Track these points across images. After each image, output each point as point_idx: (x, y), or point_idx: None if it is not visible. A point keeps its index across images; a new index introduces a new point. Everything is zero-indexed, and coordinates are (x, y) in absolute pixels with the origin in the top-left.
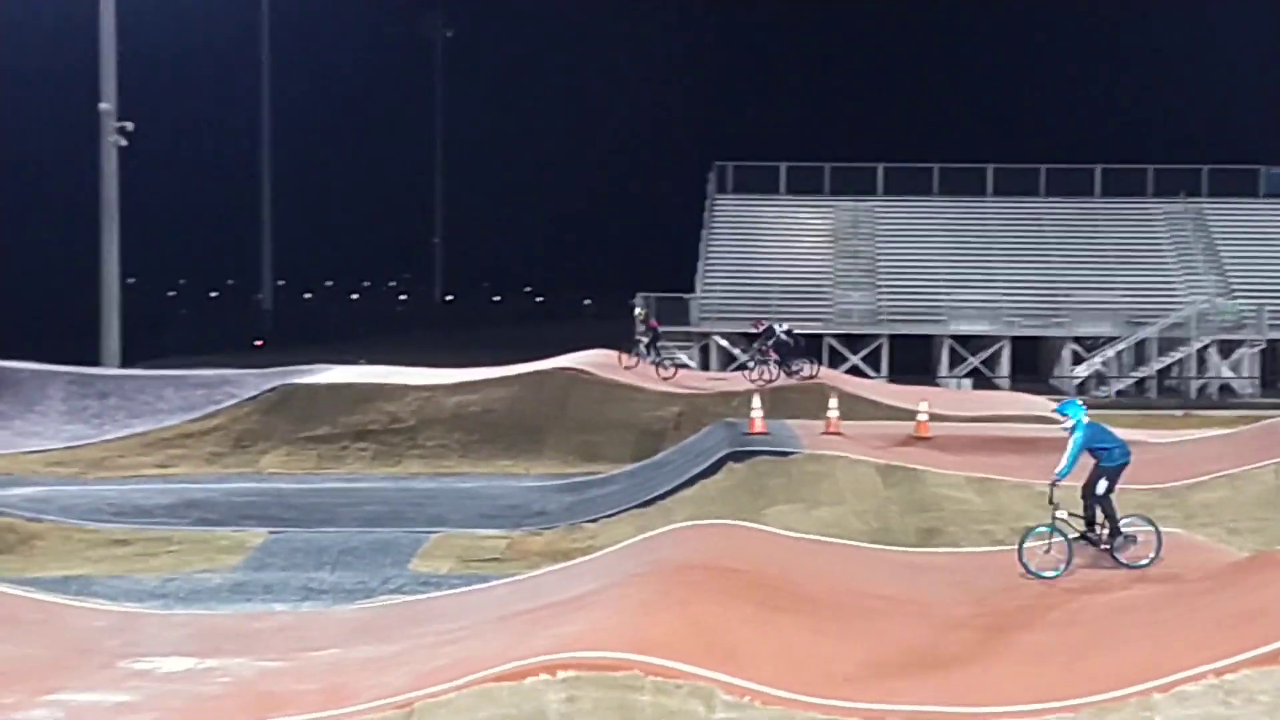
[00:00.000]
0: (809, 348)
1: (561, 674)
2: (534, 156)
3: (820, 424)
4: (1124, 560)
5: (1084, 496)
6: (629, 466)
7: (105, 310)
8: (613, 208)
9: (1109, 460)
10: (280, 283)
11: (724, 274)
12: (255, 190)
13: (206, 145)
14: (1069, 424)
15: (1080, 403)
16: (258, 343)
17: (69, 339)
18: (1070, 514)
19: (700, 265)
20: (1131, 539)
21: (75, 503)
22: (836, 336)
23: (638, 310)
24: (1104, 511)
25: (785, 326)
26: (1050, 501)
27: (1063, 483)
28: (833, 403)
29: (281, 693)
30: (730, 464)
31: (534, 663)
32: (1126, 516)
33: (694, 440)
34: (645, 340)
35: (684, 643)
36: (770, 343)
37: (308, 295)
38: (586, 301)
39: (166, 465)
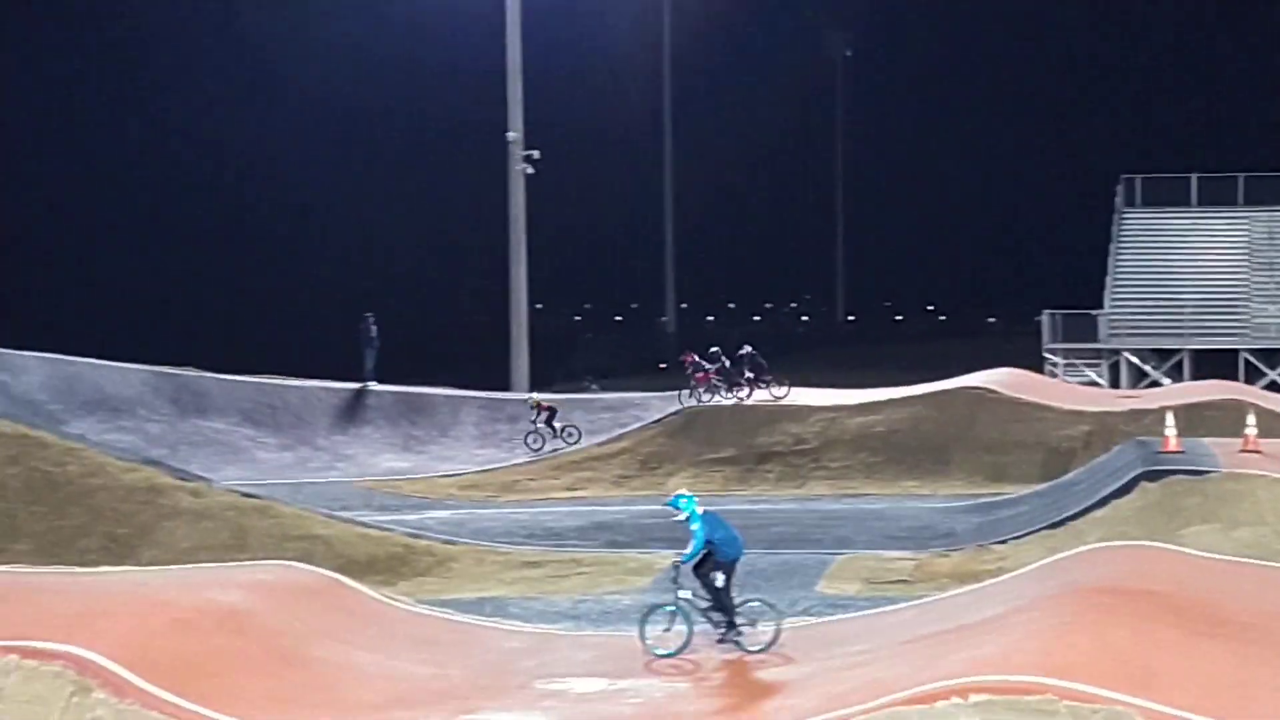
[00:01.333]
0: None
1: (974, 697)
2: (936, 173)
3: (1237, 442)
4: (743, 644)
5: (699, 578)
6: (1038, 487)
7: (515, 336)
8: (1017, 224)
9: (721, 555)
10: (683, 306)
11: (1133, 289)
12: (658, 214)
13: (609, 171)
14: (683, 516)
15: (690, 494)
16: (662, 366)
17: (480, 365)
18: (695, 594)
19: (1109, 280)
20: (750, 625)
21: (488, 525)
22: (1253, 351)
23: (530, 396)
24: (719, 603)
25: (746, 349)
26: (674, 582)
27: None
28: (1251, 419)
29: (691, 713)
30: (1144, 484)
31: (945, 686)
32: (750, 602)
33: (1105, 459)
34: (538, 425)
35: (1099, 667)
36: (722, 364)
37: (710, 318)
38: (991, 319)
39: (575, 488)
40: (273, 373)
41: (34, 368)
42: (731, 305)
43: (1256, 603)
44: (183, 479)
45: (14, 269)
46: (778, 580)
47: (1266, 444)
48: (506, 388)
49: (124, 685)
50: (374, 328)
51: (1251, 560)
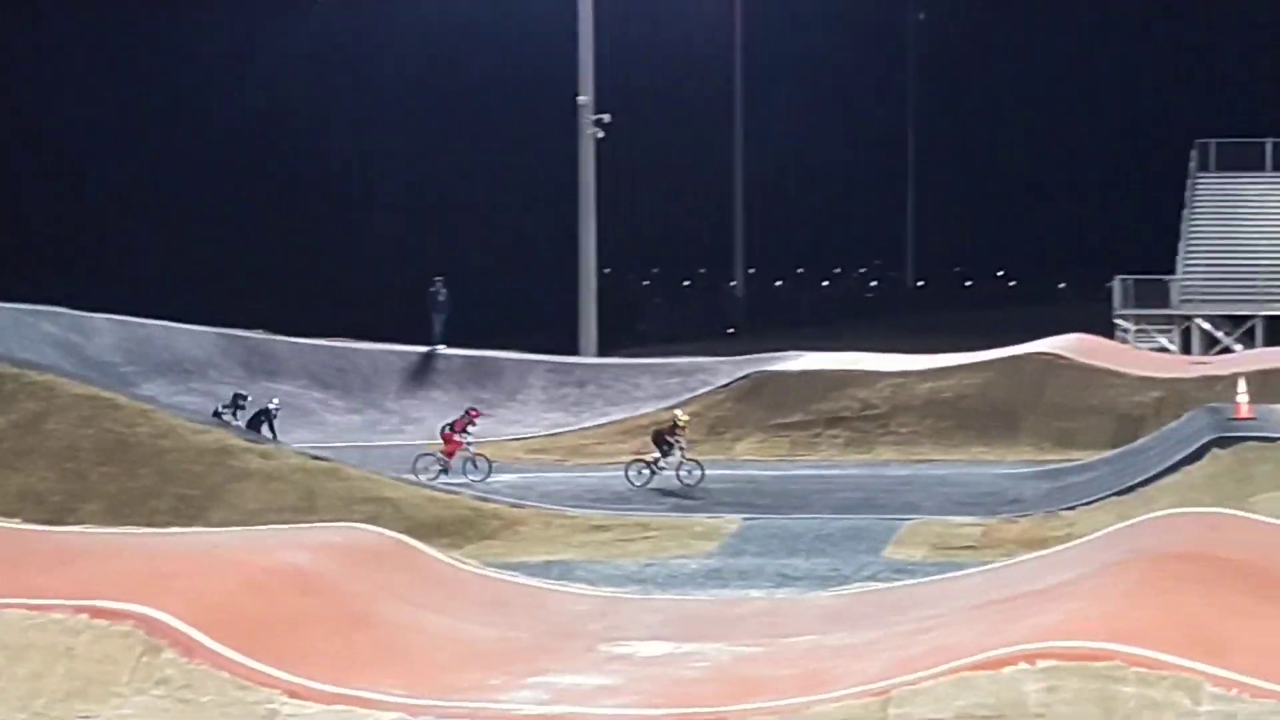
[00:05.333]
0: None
1: (1041, 663)
2: (1007, 138)
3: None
4: None
5: None
6: (1108, 453)
7: (583, 300)
8: (1089, 189)
9: None
10: (751, 270)
11: (1206, 255)
12: (727, 179)
13: (678, 134)
14: None
15: None
16: (730, 330)
17: (548, 329)
18: None
19: (1181, 246)
20: None
21: (556, 489)
22: None
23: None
24: None
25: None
26: None
27: None
28: None
29: (758, 678)
30: (1215, 450)
31: (1012, 651)
32: None
33: (1176, 426)
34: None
35: (1167, 633)
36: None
37: (779, 283)
38: (1061, 285)
39: (643, 452)
40: (342, 336)
41: (107, 330)
42: (800, 270)
43: None
44: (252, 441)
45: (87, 232)
46: (844, 545)
47: None
48: (574, 352)
49: (194, 645)
50: (443, 292)
51: None
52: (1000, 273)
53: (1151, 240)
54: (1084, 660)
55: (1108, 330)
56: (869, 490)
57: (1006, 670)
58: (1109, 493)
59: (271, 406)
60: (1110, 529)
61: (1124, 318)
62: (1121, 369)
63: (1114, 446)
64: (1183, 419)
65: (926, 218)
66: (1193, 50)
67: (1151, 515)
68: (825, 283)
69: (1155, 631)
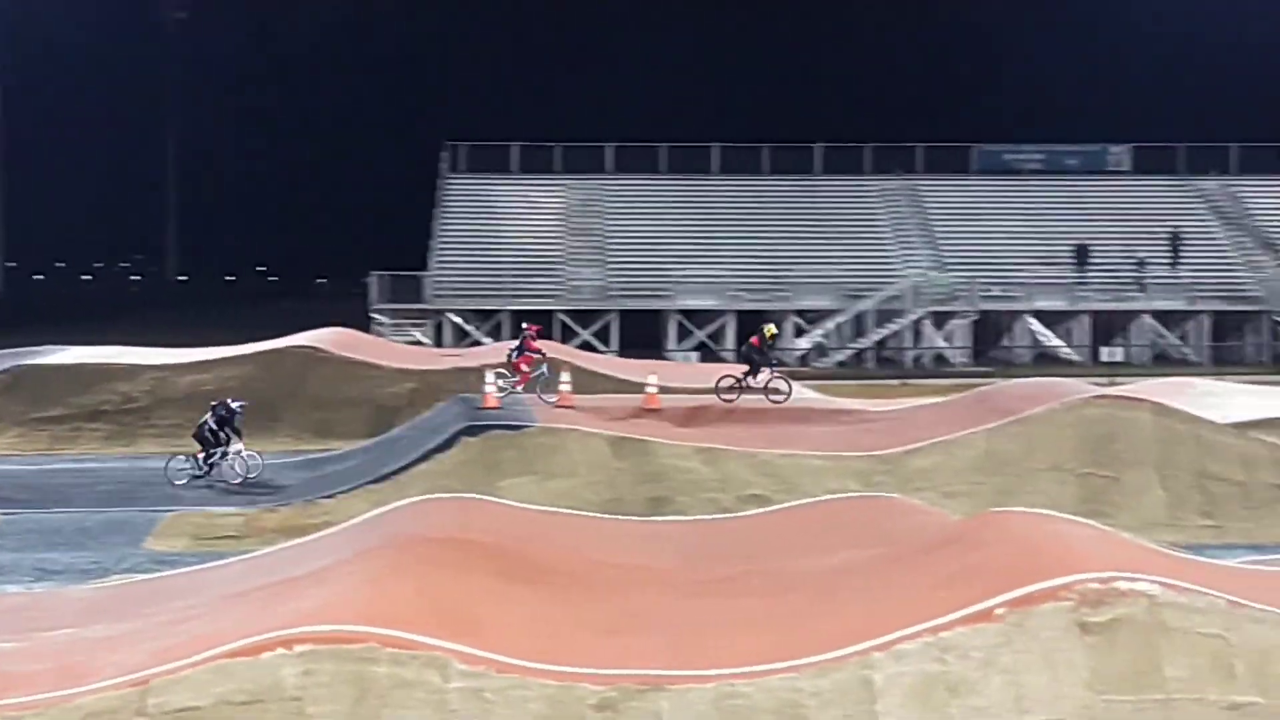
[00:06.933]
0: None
1: (298, 648)
2: (268, 137)
3: (553, 398)
4: None
5: None
6: (364, 443)
7: None
8: (347, 187)
9: None
10: (11, 265)
11: (457, 252)
12: None
13: None
14: None
15: None
16: None
17: None
18: None
19: (433, 244)
20: None
21: None
22: (568, 312)
23: None
24: None
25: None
26: None
27: None
28: (565, 377)
29: (15, 673)
30: (465, 439)
31: (270, 638)
32: None
33: (429, 416)
34: None
35: (420, 615)
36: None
37: (39, 276)
38: (321, 280)
39: None
40: None
41: None
42: (61, 265)
43: (567, 548)
44: None
45: None
46: (104, 538)
47: (579, 400)
48: None
49: None
50: None
51: (564, 510)
52: (261, 268)
53: (407, 238)
54: (339, 643)
55: (365, 324)
56: (131, 483)
57: (265, 656)
58: (365, 481)
59: (235, 406)
60: (366, 516)
61: (381, 312)
62: (378, 361)
63: (371, 436)
64: (435, 409)
65: (188, 214)
66: (442, 55)
67: (404, 502)
68: (87, 277)
69: (408, 613)
